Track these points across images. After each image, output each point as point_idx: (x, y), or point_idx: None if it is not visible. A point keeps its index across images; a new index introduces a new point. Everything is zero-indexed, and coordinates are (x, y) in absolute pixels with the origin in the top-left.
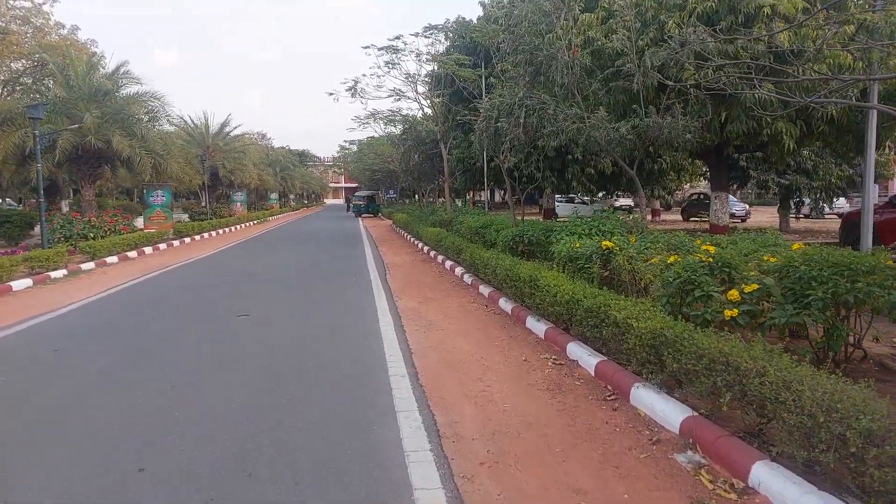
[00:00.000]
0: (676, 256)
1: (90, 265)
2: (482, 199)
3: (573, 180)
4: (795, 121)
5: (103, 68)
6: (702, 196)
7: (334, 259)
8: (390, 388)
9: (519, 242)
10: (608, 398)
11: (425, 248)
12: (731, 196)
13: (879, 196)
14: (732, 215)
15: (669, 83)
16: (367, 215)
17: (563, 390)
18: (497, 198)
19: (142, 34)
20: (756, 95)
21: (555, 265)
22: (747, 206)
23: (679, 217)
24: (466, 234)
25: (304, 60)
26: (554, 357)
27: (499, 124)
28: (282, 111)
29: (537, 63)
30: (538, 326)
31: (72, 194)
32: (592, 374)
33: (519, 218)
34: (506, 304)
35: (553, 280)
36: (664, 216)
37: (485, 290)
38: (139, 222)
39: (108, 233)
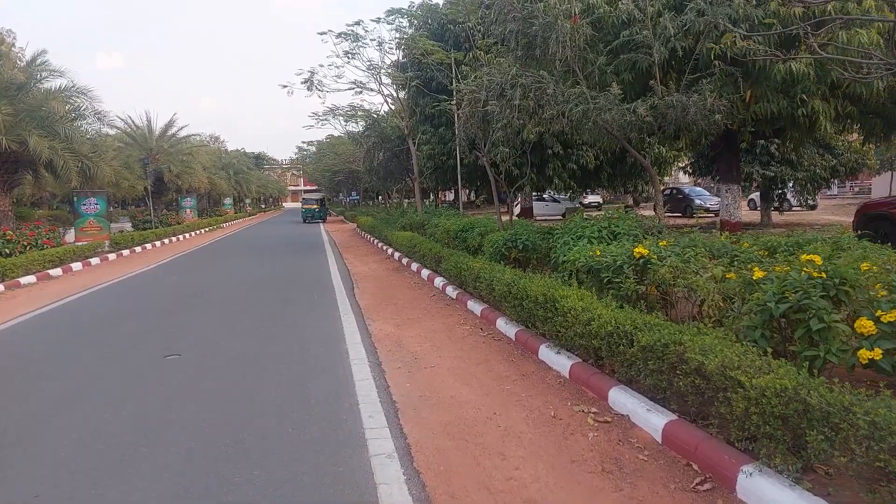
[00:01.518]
0: (720, 267)
1: None
2: (448, 199)
3: (554, 176)
4: (829, 99)
5: (21, 61)
6: (674, 191)
7: (293, 271)
8: (375, 487)
9: (511, 248)
10: (699, 486)
11: (396, 255)
12: (702, 189)
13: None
14: (707, 209)
15: (695, 53)
16: (316, 220)
17: (626, 471)
18: (463, 198)
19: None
20: (792, 68)
21: (566, 277)
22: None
23: (652, 213)
24: (443, 239)
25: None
26: (593, 409)
27: (488, 108)
28: (239, 114)
29: (531, 34)
30: (559, 361)
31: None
32: (659, 440)
33: (506, 219)
34: (507, 327)
35: (579, 301)
36: (630, 213)
37: (475, 306)
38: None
39: (27, 248)
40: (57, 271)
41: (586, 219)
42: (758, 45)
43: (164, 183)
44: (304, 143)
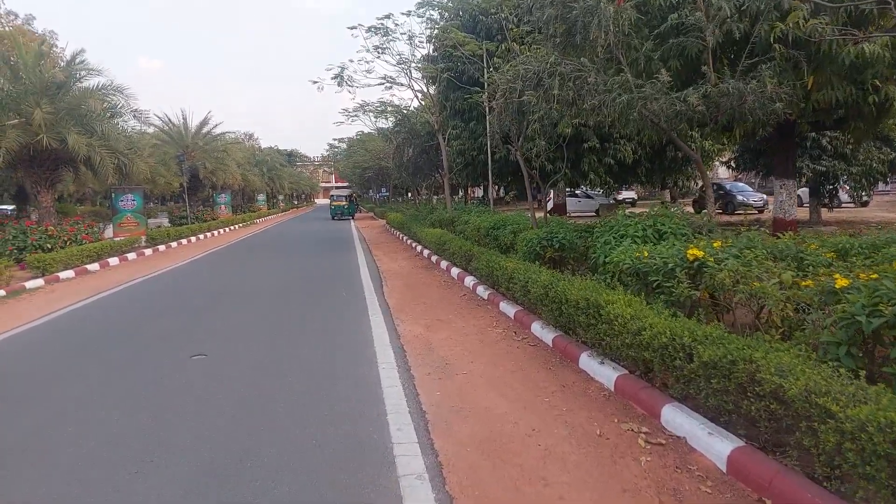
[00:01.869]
0: (789, 272)
1: (38, 282)
2: (477, 195)
3: (590, 171)
4: None
5: (62, 61)
6: (714, 186)
7: (322, 268)
8: None
9: (547, 247)
10: None
11: (425, 252)
12: (744, 185)
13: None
14: (749, 205)
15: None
16: (346, 217)
17: (686, 502)
18: (492, 194)
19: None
20: (865, 50)
21: (609, 280)
22: (766, 196)
23: (690, 209)
24: (473, 236)
25: (294, 62)
26: (644, 429)
27: (524, 98)
28: (273, 113)
29: (571, 19)
30: (603, 372)
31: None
32: (723, 468)
33: (539, 215)
34: (543, 332)
35: (627, 308)
36: (673, 209)
37: (507, 308)
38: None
39: (67, 243)
40: (94, 266)
41: (629, 216)
42: (825, 24)
43: (200, 179)
44: (335, 139)
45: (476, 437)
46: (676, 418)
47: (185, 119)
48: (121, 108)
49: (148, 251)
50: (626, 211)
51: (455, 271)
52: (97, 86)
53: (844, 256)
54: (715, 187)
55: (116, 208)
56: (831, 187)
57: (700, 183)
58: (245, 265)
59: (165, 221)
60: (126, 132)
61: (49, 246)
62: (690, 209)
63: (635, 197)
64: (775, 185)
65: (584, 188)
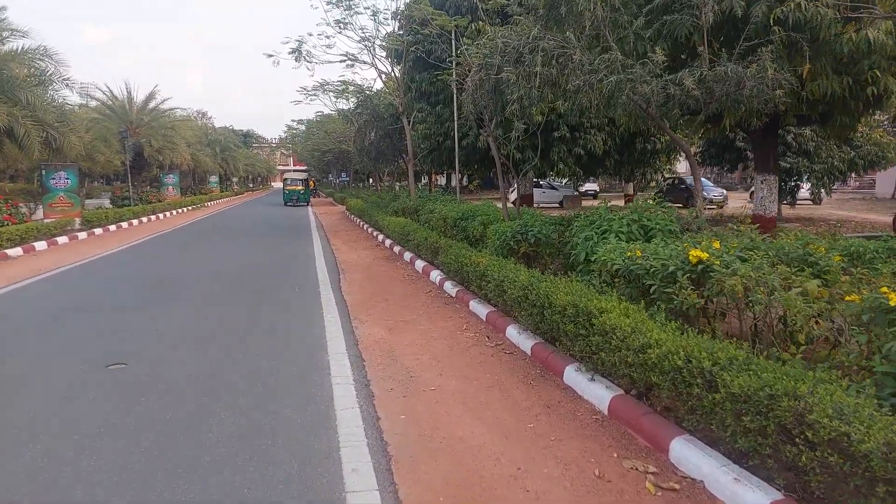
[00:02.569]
0: (814, 281)
1: None
2: (440, 183)
3: (559, 161)
4: None
5: None
6: (675, 180)
7: (275, 257)
8: None
9: (521, 242)
10: None
11: (387, 242)
12: (705, 179)
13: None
14: (709, 200)
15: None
16: (301, 204)
17: None
18: (454, 181)
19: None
20: (869, 36)
21: (596, 282)
22: (724, 191)
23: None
24: (439, 227)
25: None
26: (651, 468)
27: (502, 75)
28: (228, 91)
29: None
30: (594, 391)
31: None
32: None
33: (511, 206)
34: (520, 338)
35: (625, 319)
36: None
37: (479, 307)
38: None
39: None
40: (16, 251)
41: (611, 209)
42: (826, 6)
43: (145, 158)
44: (293, 121)
45: (450, 480)
46: (690, 456)
47: (129, 93)
48: (50, 74)
49: (82, 235)
50: (608, 203)
51: (420, 264)
52: (22, 48)
53: (856, 261)
54: (676, 181)
55: (47, 187)
56: (793, 184)
57: (665, 176)
58: (188, 253)
59: (108, 202)
60: (56, 103)
61: None
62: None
63: (597, 189)
64: (756, 179)
65: (549, 179)
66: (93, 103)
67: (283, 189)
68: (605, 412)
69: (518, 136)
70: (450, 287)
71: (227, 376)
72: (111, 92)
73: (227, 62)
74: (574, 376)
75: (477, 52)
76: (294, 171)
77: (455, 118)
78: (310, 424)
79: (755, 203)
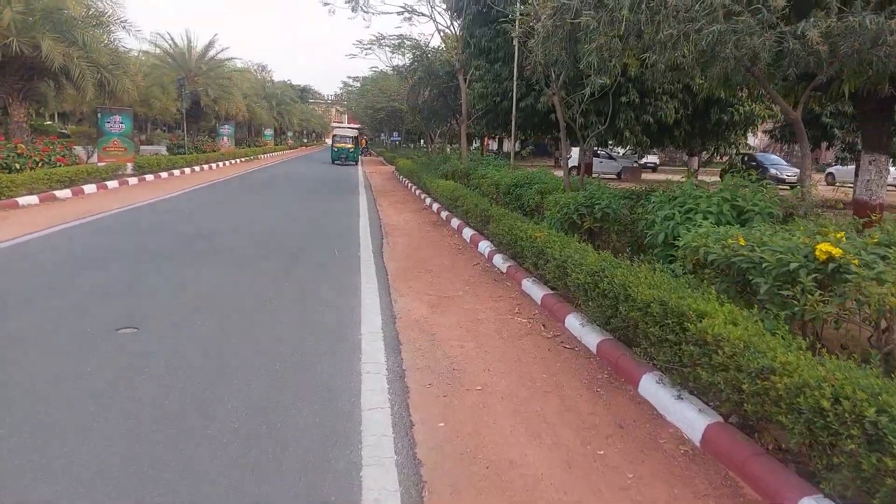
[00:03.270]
0: None
1: None
2: (491, 148)
3: (626, 129)
4: None
5: None
6: (745, 157)
7: (318, 215)
8: None
9: (586, 216)
10: None
11: (434, 206)
12: (776, 157)
13: None
14: (781, 180)
15: None
16: (349, 163)
17: None
18: (507, 147)
19: None
20: None
21: (678, 269)
22: (797, 170)
23: (717, 178)
24: (491, 193)
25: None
26: None
27: (580, 21)
28: (290, 46)
29: None
30: (682, 413)
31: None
32: None
33: (577, 178)
34: (584, 331)
35: (733, 329)
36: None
37: (532, 288)
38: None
39: (39, 164)
40: (65, 193)
41: (698, 185)
42: None
43: (201, 107)
44: (349, 77)
45: None
46: None
47: (189, 41)
48: (109, 16)
49: (133, 180)
50: (693, 179)
51: (468, 232)
52: None
53: None
54: (746, 158)
55: (102, 130)
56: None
57: (738, 151)
58: (232, 205)
59: (164, 150)
60: (111, 45)
61: (17, 166)
62: (717, 179)
63: (657, 162)
64: (863, 159)
65: (607, 149)
66: (154, 50)
67: (332, 146)
68: (698, 443)
69: (584, 98)
70: (500, 261)
71: (242, 356)
72: (172, 40)
73: (292, 16)
74: (654, 389)
75: None
76: (344, 127)
77: (515, 77)
78: (330, 429)
79: (858, 186)
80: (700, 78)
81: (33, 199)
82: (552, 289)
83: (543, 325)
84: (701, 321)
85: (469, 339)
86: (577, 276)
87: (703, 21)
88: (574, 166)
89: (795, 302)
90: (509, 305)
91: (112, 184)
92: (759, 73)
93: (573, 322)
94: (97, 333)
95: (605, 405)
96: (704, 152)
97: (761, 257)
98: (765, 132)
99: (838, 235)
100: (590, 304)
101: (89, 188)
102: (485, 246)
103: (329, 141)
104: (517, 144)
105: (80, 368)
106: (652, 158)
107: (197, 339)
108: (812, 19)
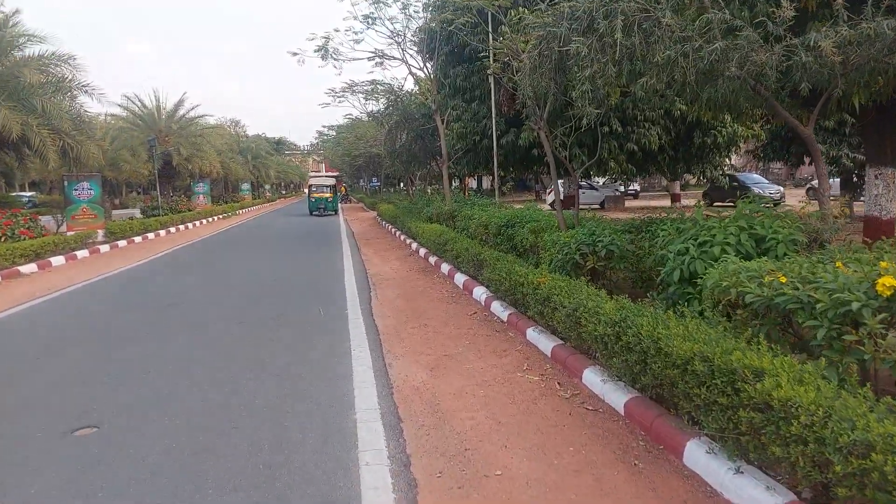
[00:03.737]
0: None
1: None
2: (471, 186)
3: (611, 159)
4: None
5: None
6: (727, 178)
7: (301, 270)
8: None
9: (589, 255)
10: None
11: (422, 252)
12: (757, 175)
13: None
14: (764, 198)
15: None
16: (328, 213)
17: None
18: (485, 184)
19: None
20: None
21: (708, 310)
22: (781, 188)
23: (701, 203)
24: (479, 235)
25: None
26: None
27: (569, 48)
28: (261, 101)
29: None
30: (747, 491)
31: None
32: None
33: (568, 212)
34: (607, 389)
35: (802, 393)
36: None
37: (540, 339)
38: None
39: (1, 238)
40: (30, 267)
41: (710, 215)
42: None
43: (174, 167)
44: (324, 126)
45: None
46: None
47: (158, 101)
48: (69, 81)
49: (105, 247)
50: (702, 208)
51: (460, 278)
52: (37, 54)
53: None
54: (727, 179)
55: (70, 198)
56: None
57: (724, 172)
58: (206, 268)
59: (139, 213)
60: (73, 110)
61: None
62: (701, 201)
63: (637, 189)
64: (868, 173)
65: (588, 180)
66: (122, 113)
67: (308, 197)
68: None
69: (573, 130)
70: (499, 309)
71: (219, 455)
72: (140, 101)
73: (260, 72)
74: (704, 461)
75: (537, 21)
76: (321, 175)
77: (493, 115)
78: None
79: (867, 202)
80: (691, 103)
81: None
82: (562, 339)
83: (559, 384)
84: (759, 381)
85: (479, 408)
86: (593, 328)
87: (699, 41)
88: (554, 199)
89: (861, 348)
90: (517, 361)
91: (82, 253)
92: (764, 92)
93: (592, 378)
94: (50, 437)
95: (647, 483)
96: (689, 176)
97: (811, 296)
98: (747, 152)
99: (882, 265)
100: (613, 360)
101: (57, 260)
102: (480, 292)
103: (307, 191)
104: (495, 181)
105: (24, 488)
106: (632, 185)
107: (165, 439)
108: (823, 29)
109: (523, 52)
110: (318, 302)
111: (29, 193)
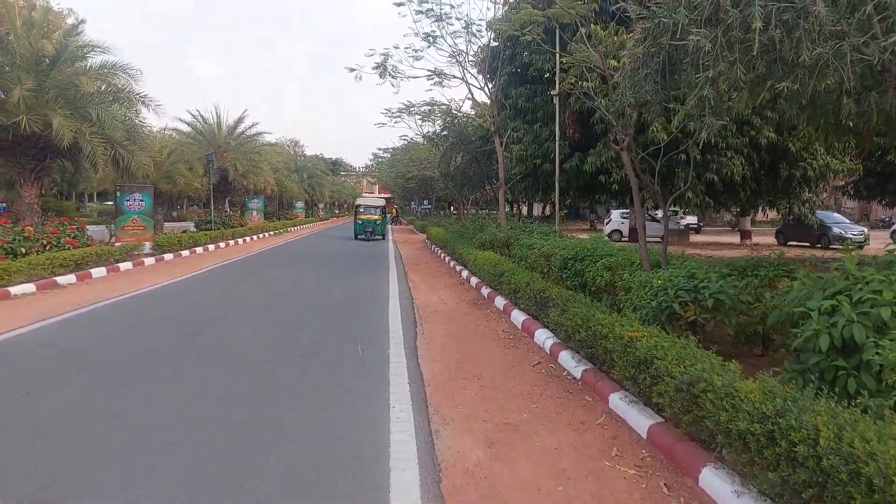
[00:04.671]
0: None
1: None
2: (523, 212)
3: (688, 190)
4: None
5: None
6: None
7: (342, 296)
8: None
9: (689, 305)
10: None
11: (473, 281)
12: (839, 215)
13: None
14: (846, 239)
15: None
16: (376, 237)
17: None
18: (536, 211)
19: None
20: None
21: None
22: (865, 230)
23: (772, 240)
24: (539, 267)
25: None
26: None
27: (688, 41)
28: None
29: None
30: None
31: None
32: None
33: (654, 247)
34: (744, 502)
35: None
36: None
37: (631, 412)
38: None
39: (47, 247)
40: (69, 278)
41: (859, 263)
42: None
43: (230, 182)
44: (379, 149)
45: None
46: None
47: (218, 117)
48: (126, 91)
49: (150, 260)
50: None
51: (518, 316)
52: (96, 64)
53: None
54: (801, 216)
55: (121, 209)
56: None
57: (810, 208)
58: (245, 287)
59: (193, 226)
60: (127, 120)
61: (23, 250)
62: (773, 240)
63: (699, 223)
64: None
65: (652, 210)
66: (183, 127)
67: (355, 219)
68: None
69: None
70: (569, 361)
71: None
72: (201, 116)
73: (322, 92)
74: None
75: (643, 13)
76: (369, 197)
77: (557, 137)
78: None
79: None
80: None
81: (30, 286)
82: (662, 415)
83: (666, 486)
84: None
85: None
86: (725, 417)
87: (860, 36)
88: (614, 230)
89: None
90: (601, 440)
91: (125, 265)
92: None
93: (717, 485)
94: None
95: None
96: (768, 211)
97: None
98: (835, 188)
99: None
100: (768, 475)
101: (98, 272)
102: (543, 337)
103: (354, 212)
104: (547, 207)
105: None
106: (691, 219)
107: None
108: None
109: (611, 58)
110: (357, 335)
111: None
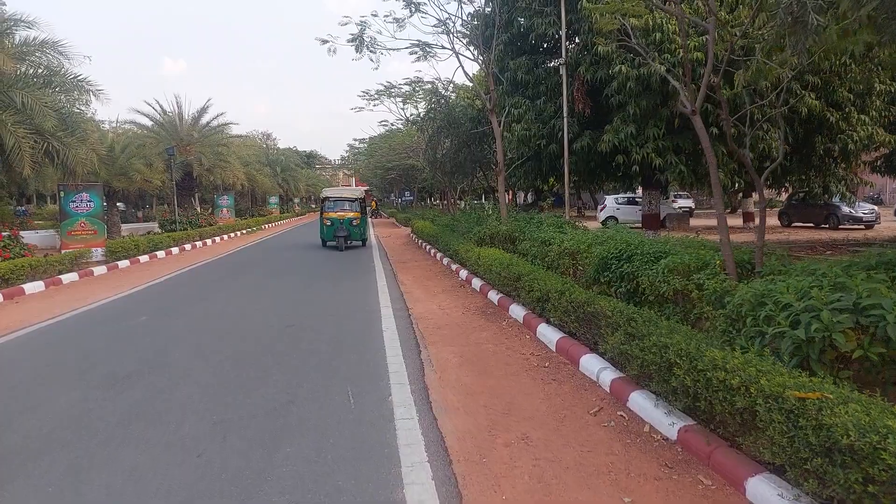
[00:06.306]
0: None
1: None
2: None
3: (720, 169)
4: None
5: None
6: (804, 196)
7: (323, 308)
8: None
9: (850, 336)
10: None
11: (474, 282)
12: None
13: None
14: (857, 219)
15: None
16: (354, 242)
17: None
18: (520, 199)
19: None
20: None
21: None
22: (875, 207)
23: (775, 221)
24: (565, 266)
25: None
26: None
27: None
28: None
29: None
30: None
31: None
32: None
33: (705, 237)
34: None
35: None
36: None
37: (760, 487)
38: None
39: None
40: None
41: None
42: None
43: (194, 178)
44: (355, 140)
45: None
46: None
47: (179, 107)
48: (61, 73)
49: (101, 269)
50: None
51: (548, 333)
52: (22, 41)
53: None
54: (804, 196)
55: (67, 212)
56: None
57: (849, 187)
58: (207, 302)
59: (157, 227)
60: (61, 107)
61: None
62: (776, 221)
63: (692, 206)
64: None
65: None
66: (143, 120)
67: (321, 219)
68: None
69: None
70: (655, 412)
71: None
72: (160, 106)
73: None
74: None
75: None
76: (342, 188)
77: (565, 113)
78: None
79: None
80: None
81: None
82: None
83: None
84: None
85: None
86: None
87: None
88: (609, 216)
89: None
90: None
91: (70, 277)
92: None
93: None
94: None
95: None
96: (823, 189)
97: None
98: (864, 162)
99: None
100: None
101: (34, 286)
102: (596, 366)
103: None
104: (529, 195)
105: None
106: (686, 203)
107: None
108: None
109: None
110: (345, 370)
111: (21, 207)
